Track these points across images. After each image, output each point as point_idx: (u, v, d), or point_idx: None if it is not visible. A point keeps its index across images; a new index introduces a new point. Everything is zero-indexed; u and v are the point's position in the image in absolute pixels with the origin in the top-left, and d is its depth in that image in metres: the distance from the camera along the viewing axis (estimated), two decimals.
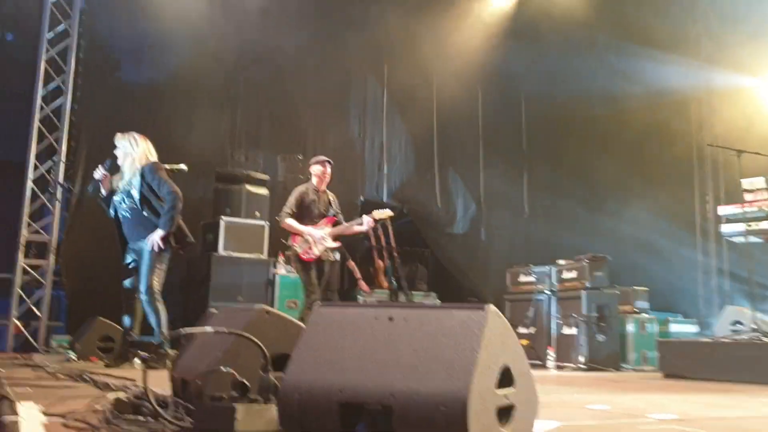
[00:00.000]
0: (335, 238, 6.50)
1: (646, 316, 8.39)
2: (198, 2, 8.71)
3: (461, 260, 10.42)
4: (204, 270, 7.60)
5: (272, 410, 2.15)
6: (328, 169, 6.63)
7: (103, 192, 5.53)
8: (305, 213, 6.49)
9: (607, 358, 7.68)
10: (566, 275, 8.15)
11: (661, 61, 9.80)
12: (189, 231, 5.69)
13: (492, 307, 2.11)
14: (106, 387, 3.54)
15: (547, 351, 7.96)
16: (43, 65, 7.96)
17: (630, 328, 8.18)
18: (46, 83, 8.01)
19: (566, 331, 7.89)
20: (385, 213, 6.61)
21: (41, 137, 7.91)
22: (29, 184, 7.76)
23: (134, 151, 5.51)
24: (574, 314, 7.76)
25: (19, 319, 7.50)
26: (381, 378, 2.01)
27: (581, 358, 7.57)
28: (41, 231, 7.78)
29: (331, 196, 6.70)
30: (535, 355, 7.92)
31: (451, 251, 10.44)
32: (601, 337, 7.69)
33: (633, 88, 10.11)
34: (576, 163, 10.53)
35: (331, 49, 9.88)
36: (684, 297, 9.86)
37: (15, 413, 2.37)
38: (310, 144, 9.74)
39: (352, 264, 8.67)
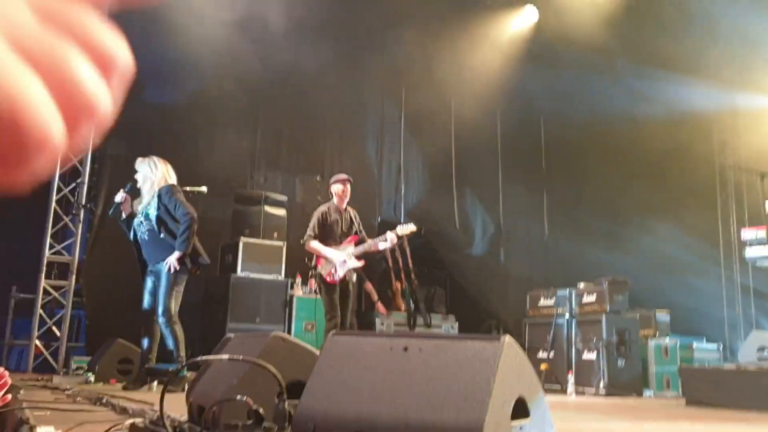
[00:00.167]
0: (359, 256, 6.44)
1: (668, 340, 8.27)
2: (220, 26, 8.81)
3: (480, 282, 10.38)
4: (223, 291, 7.63)
5: None
6: (348, 187, 6.58)
7: (124, 215, 5.60)
8: (328, 233, 6.47)
9: (628, 383, 7.56)
10: (586, 299, 8.06)
11: (681, 83, 9.77)
12: (207, 252, 5.73)
13: (507, 338, 2.10)
14: (124, 412, 3.55)
15: (567, 376, 7.86)
16: None
17: (652, 352, 8.06)
18: None
19: (586, 355, 7.79)
20: (409, 228, 6.52)
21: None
22: (52, 206, 7.86)
23: (153, 175, 5.57)
24: (594, 338, 7.67)
25: (39, 339, 7.57)
26: (395, 408, 2.00)
27: (601, 384, 7.47)
28: (63, 252, 7.86)
29: (353, 213, 6.63)
30: (555, 380, 7.83)
31: (470, 273, 10.40)
32: (621, 362, 7.58)
33: (653, 109, 10.08)
34: (596, 184, 10.49)
35: (350, 72, 9.95)
36: (708, 320, 9.73)
37: None
38: (328, 165, 9.80)
39: (369, 286, 8.65)
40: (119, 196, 5.57)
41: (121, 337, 6.69)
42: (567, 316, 8.15)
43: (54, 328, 7.66)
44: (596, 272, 8.42)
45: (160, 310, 5.32)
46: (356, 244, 6.47)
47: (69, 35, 0.29)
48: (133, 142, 8.24)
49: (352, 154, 10.12)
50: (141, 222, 5.48)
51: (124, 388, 5.38)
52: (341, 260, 6.32)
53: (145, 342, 5.58)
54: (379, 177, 10.29)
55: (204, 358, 2.55)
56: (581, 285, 8.19)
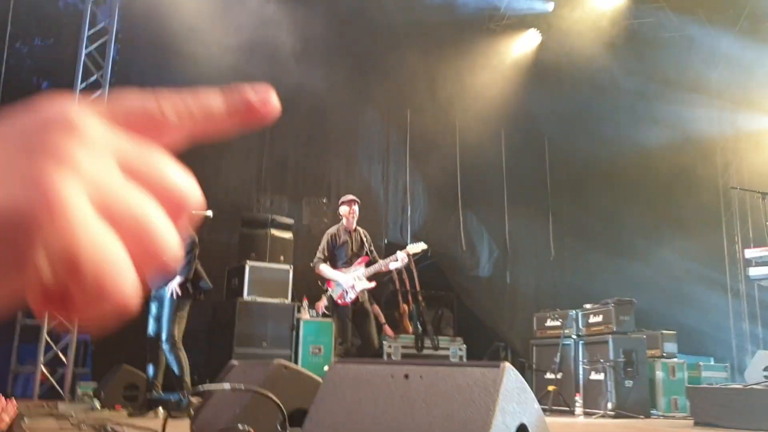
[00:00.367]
0: (370, 277, 6.38)
1: (676, 360, 8.23)
2: (226, 49, 8.90)
3: (487, 304, 10.36)
4: (229, 315, 7.64)
5: None
6: (355, 208, 6.54)
7: None
8: (338, 255, 6.45)
9: (636, 404, 7.51)
10: (592, 319, 8.04)
11: (684, 105, 9.82)
12: (214, 276, 5.75)
13: (507, 365, 2.11)
14: None
15: (575, 397, 7.82)
16: None
17: (659, 373, 8.02)
18: None
19: (594, 376, 7.76)
20: (420, 247, 6.45)
21: None
22: None
23: None
24: (601, 359, 7.64)
25: (45, 365, 7.57)
26: None
27: (609, 405, 7.43)
28: None
29: (364, 234, 6.58)
30: (563, 402, 7.79)
31: (477, 295, 10.39)
32: (628, 383, 7.54)
33: (657, 132, 10.13)
34: (602, 205, 10.52)
35: (355, 95, 10.02)
36: (715, 340, 9.70)
37: None
38: (334, 188, 9.84)
39: (376, 309, 8.62)
40: None
41: (128, 363, 6.69)
42: (574, 336, 8.13)
43: (60, 353, 7.67)
44: (602, 293, 8.40)
45: (164, 335, 5.34)
46: (367, 265, 6.42)
47: (147, 183, 0.32)
48: None
49: (357, 176, 10.17)
50: None
51: (130, 415, 5.39)
52: (350, 284, 6.30)
53: (150, 369, 5.59)
54: (386, 199, 10.33)
55: (206, 387, 2.57)
56: (587, 305, 8.17)
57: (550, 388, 7.83)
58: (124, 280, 0.29)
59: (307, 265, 8.58)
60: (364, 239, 6.56)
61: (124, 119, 0.33)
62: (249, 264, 7.82)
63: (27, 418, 4.64)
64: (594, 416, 7.43)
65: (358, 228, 6.62)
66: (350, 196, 6.67)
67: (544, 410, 7.47)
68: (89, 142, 0.30)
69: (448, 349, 8.61)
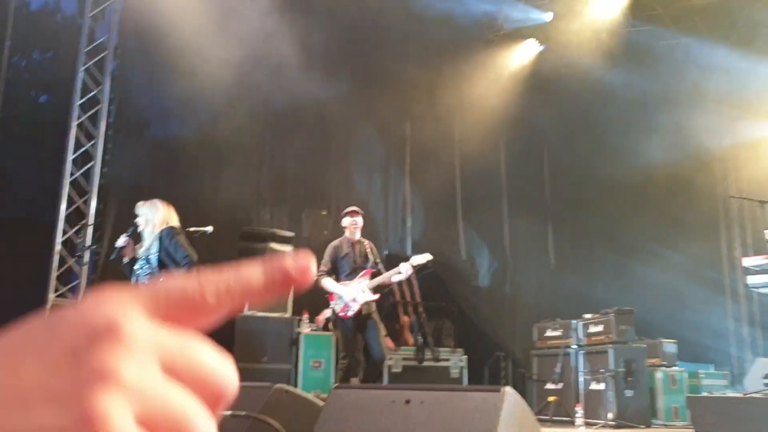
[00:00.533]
0: (375, 290, 6.35)
1: (676, 369, 8.24)
2: (225, 64, 8.92)
3: (488, 314, 10.37)
4: (228, 330, 7.62)
5: None
6: (357, 218, 6.52)
7: (125, 260, 5.61)
8: (341, 268, 6.41)
9: (637, 413, 7.51)
10: (592, 329, 8.05)
11: (683, 114, 9.87)
12: None
13: (508, 389, 2.12)
14: None
15: (576, 408, 7.81)
16: (74, 131, 8.20)
17: (659, 382, 8.03)
18: (76, 148, 8.23)
19: (594, 386, 7.76)
20: (424, 258, 6.37)
21: (71, 201, 8.10)
22: (57, 248, 7.91)
23: (155, 217, 5.56)
24: (601, 369, 7.64)
25: None
26: None
27: (610, 415, 7.42)
28: (68, 294, 7.90)
29: (369, 246, 6.55)
30: (564, 412, 7.79)
31: (477, 305, 10.40)
32: (629, 393, 7.54)
33: (655, 141, 10.18)
34: (601, 214, 10.55)
35: (354, 106, 10.04)
36: (715, 347, 9.71)
37: None
38: (334, 200, 9.85)
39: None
40: (121, 241, 5.57)
41: None
42: (574, 346, 8.13)
43: None
44: (602, 302, 8.41)
45: None
46: (371, 278, 6.38)
47: (188, 378, 0.33)
48: (137, 182, 8.34)
49: (357, 187, 10.18)
50: (142, 266, 5.49)
51: None
52: (351, 297, 6.29)
53: None
54: (386, 210, 10.34)
55: None
56: (587, 315, 8.18)
57: (551, 398, 7.84)
58: None
59: None
60: (369, 251, 6.52)
61: (165, 309, 0.34)
62: None
63: None
64: (595, 426, 7.43)
65: (363, 240, 6.59)
66: (352, 208, 6.66)
67: (545, 421, 7.49)
68: (135, 349, 0.31)
69: (448, 360, 8.61)
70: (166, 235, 5.45)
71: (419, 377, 7.86)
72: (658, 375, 8.05)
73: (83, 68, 8.36)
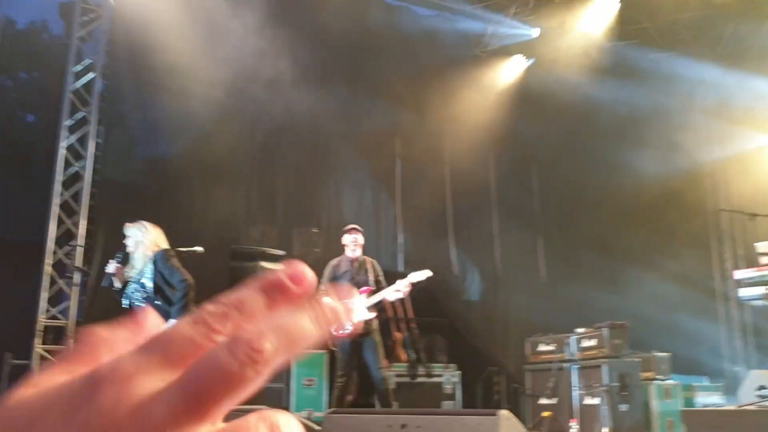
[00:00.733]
0: (372, 308, 6.28)
1: (670, 383, 8.23)
2: (213, 83, 8.91)
3: (480, 329, 10.35)
4: None
5: None
6: (357, 236, 6.50)
7: (117, 284, 5.55)
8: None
9: (632, 428, 7.50)
10: (586, 344, 8.04)
11: (671, 128, 9.95)
12: None
13: (504, 413, 2.10)
14: None
15: (570, 423, 7.79)
16: (62, 152, 8.15)
17: (654, 396, 8.01)
18: (65, 168, 8.18)
19: (588, 401, 7.73)
20: (423, 275, 6.31)
21: (60, 222, 8.04)
22: (47, 269, 7.84)
23: (145, 239, 5.53)
24: (595, 384, 7.63)
25: None
26: None
27: (605, 429, 7.40)
28: (59, 315, 7.82)
29: (370, 264, 6.50)
30: (558, 427, 7.75)
31: (470, 320, 10.38)
32: (624, 407, 7.52)
33: (645, 155, 10.25)
34: (592, 228, 10.60)
35: (343, 124, 10.05)
36: (708, 360, 9.72)
37: None
38: (324, 217, 9.83)
39: None
40: (111, 268, 5.52)
41: None
42: (568, 360, 8.11)
43: None
44: (594, 315, 8.42)
45: None
46: (369, 296, 6.34)
47: None
48: (127, 202, 8.29)
49: (348, 204, 10.17)
50: (136, 289, 5.43)
51: None
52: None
53: None
54: (377, 226, 10.32)
55: None
56: (580, 330, 8.17)
57: (545, 413, 7.80)
58: None
59: None
60: (370, 269, 6.47)
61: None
62: None
63: None
64: None
65: (365, 258, 6.55)
66: (352, 225, 6.64)
67: None
68: None
69: (441, 376, 8.57)
70: (161, 259, 5.40)
71: (412, 394, 7.82)
72: (653, 388, 8.04)
73: (71, 89, 8.32)
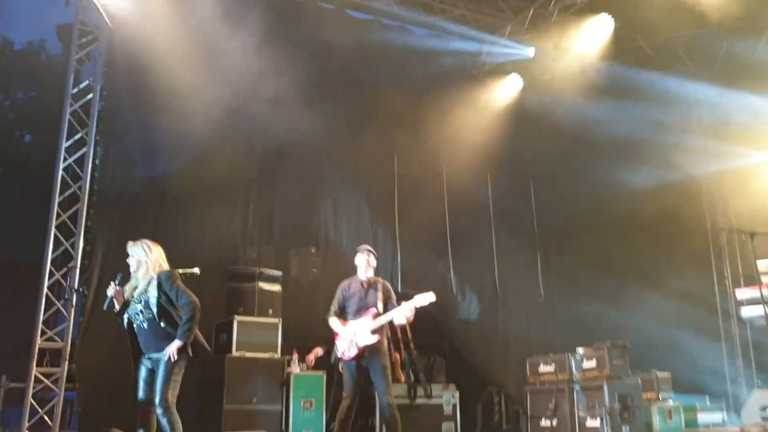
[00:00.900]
0: (375, 331, 6.19)
1: (671, 403, 8.18)
2: (211, 104, 8.90)
3: (479, 349, 10.29)
4: (218, 372, 7.50)
5: None
6: (369, 258, 6.47)
7: (117, 306, 5.50)
8: (348, 307, 6.35)
9: None
10: (586, 364, 7.99)
11: (669, 146, 9.98)
12: (202, 331, 5.59)
13: None
14: None
15: None
16: (60, 173, 8.12)
17: (655, 417, 7.97)
18: (63, 190, 8.14)
19: (590, 423, 7.67)
20: (428, 298, 6.18)
21: (57, 243, 7.99)
22: (44, 291, 7.77)
23: (148, 259, 5.48)
24: (596, 405, 7.57)
25: (30, 429, 7.38)
26: None
27: None
28: (56, 338, 7.74)
29: (382, 285, 6.43)
30: None
31: (469, 340, 10.32)
32: (625, 429, 7.46)
33: (642, 173, 10.26)
34: (590, 246, 10.60)
35: (341, 143, 10.03)
36: (710, 379, 9.70)
37: None
38: (322, 237, 9.80)
39: None
40: (111, 291, 5.46)
41: (117, 426, 6.53)
42: (568, 381, 8.05)
43: (46, 417, 7.49)
44: (595, 332, 8.40)
45: (157, 399, 5.18)
46: (375, 319, 6.26)
47: None
48: (123, 222, 8.25)
49: (346, 224, 10.12)
50: (140, 311, 5.35)
51: None
52: (348, 338, 6.21)
53: None
54: (375, 246, 10.22)
55: None
56: (581, 350, 8.12)
57: None
58: None
59: (297, 317, 8.51)
60: (380, 291, 6.38)
61: None
62: (237, 319, 7.71)
63: None
64: None
65: (377, 279, 6.50)
66: (365, 246, 6.62)
67: None
68: None
69: (441, 397, 8.50)
70: (166, 280, 5.35)
71: (412, 415, 7.75)
72: (654, 410, 8.00)
73: (69, 110, 8.31)
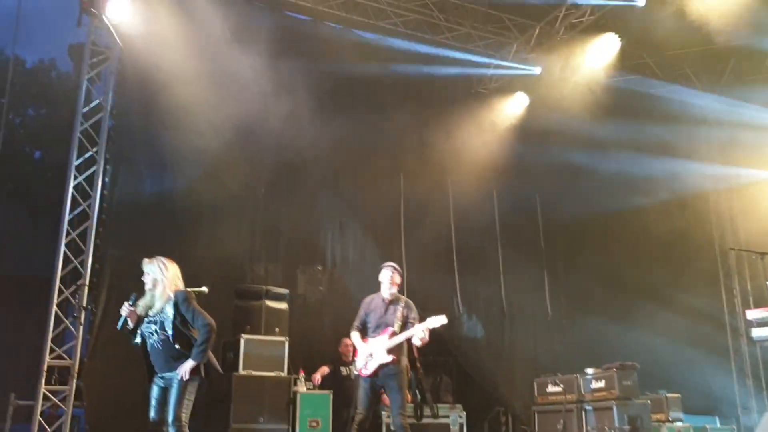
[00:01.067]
0: (391, 350, 6.15)
1: (681, 424, 8.11)
2: (220, 123, 8.94)
3: (486, 368, 10.24)
4: (225, 390, 7.49)
5: None
6: (393, 275, 6.38)
7: (131, 324, 5.48)
8: (369, 323, 6.34)
9: None
10: (595, 385, 7.94)
11: (676, 164, 9.97)
12: (212, 351, 5.57)
13: None
14: None
15: None
16: (70, 191, 8.15)
17: None
18: (72, 208, 8.17)
19: None
20: (440, 321, 6.11)
21: (66, 261, 8.01)
22: (53, 309, 7.78)
23: (164, 277, 5.44)
24: (606, 426, 7.51)
25: None
26: None
27: None
28: (64, 356, 7.74)
29: (404, 303, 6.36)
30: None
31: (476, 358, 10.27)
32: None
33: (650, 191, 10.25)
34: (597, 264, 10.57)
35: (347, 161, 10.05)
36: (720, 399, 9.63)
37: None
38: (329, 255, 9.80)
39: None
40: (125, 310, 5.44)
41: None
42: (577, 402, 7.99)
43: None
44: (602, 352, 8.36)
45: (170, 418, 5.15)
46: (390, 337, 6.22)
47: None
48: (133, 241, 8.27)
49: (352, 241, 10.12)
50: (155, 330, 5.32)
51: None
52: (367, 355, 6.21)
53: None
54: (382, 263, 10.24)
55: None
56: (589, 371, 8.07)
57: None
58: None
59: (303, 336, 8.51)
60: (400, 309, 6.31)
61: None
62: (244, 337, 7.71)
63: None
64: None
65: (399, 297, 6.43)
66: (389, 263, 6.55)
67: None
68: None
69: (448, 417, 8.47)
70: (182, 302, 5.31)
71: None
72: (664, 431, 7.92)
73: (80, 129, 8.36)
